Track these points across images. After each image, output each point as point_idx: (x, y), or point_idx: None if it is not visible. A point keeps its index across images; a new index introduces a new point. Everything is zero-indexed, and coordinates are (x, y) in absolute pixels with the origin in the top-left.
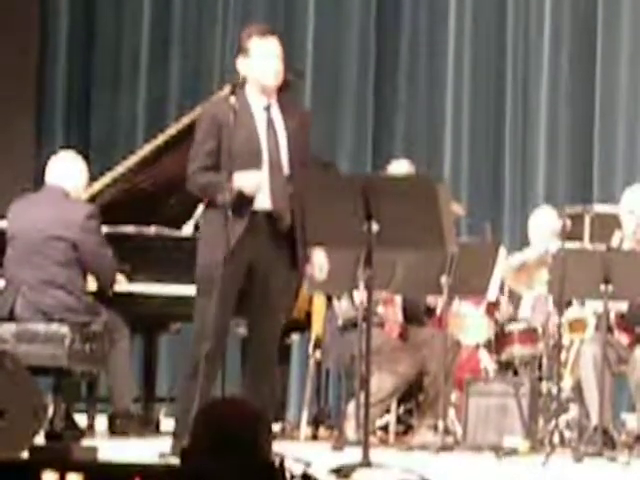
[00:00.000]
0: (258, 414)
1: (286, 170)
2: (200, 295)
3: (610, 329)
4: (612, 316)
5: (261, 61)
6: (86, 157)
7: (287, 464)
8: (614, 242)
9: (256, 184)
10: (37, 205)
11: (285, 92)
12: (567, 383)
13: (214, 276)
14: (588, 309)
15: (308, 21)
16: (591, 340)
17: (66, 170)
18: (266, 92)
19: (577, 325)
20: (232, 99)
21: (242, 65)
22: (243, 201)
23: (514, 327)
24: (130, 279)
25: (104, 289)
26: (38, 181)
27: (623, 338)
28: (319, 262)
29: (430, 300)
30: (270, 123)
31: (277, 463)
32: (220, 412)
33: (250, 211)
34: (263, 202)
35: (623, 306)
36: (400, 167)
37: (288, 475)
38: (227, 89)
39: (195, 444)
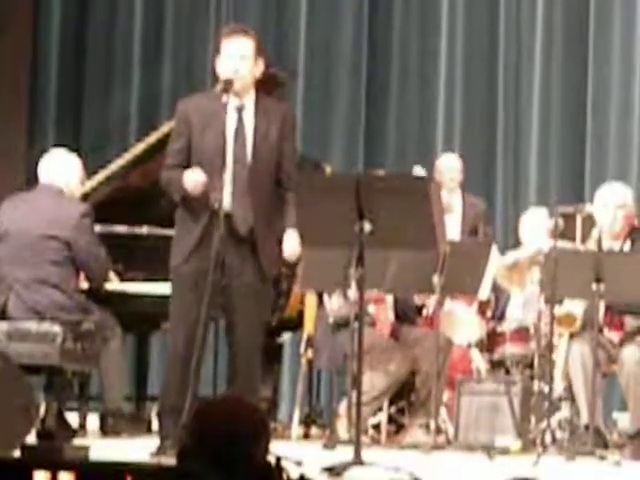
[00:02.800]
0: (256, 413)
1: (250, 172)
2: (172, 295)
3: (600, 329)
4: (602, 310)
5: (223, 61)
6: (79, 156)
7: (284, 464)
8: (593, 237)
9: (194, 182)
10: (31, 203)
11: (275, 91)
12: (558, 382)
13: (180, 274)
14: (578, 303)
15: (300, 21)
16: (579, 339)
17: (59, 168)
18: (235, 92)
19: (566, 319)
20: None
21: (217, 65)
22: (197, 201)
23: (506, 326)
24: (122, 278)
25: (96, 288)
26: (30, 180)
27: (614, 336)
28: (290, 243)
29: (418, 299)
30: (240, 124)
31: (274, 463)
32: (217, 411)
33: (210, 211)
34: (224, 204)
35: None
36: (449, 160)
37: (285, 476)
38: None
39: (192, 444)
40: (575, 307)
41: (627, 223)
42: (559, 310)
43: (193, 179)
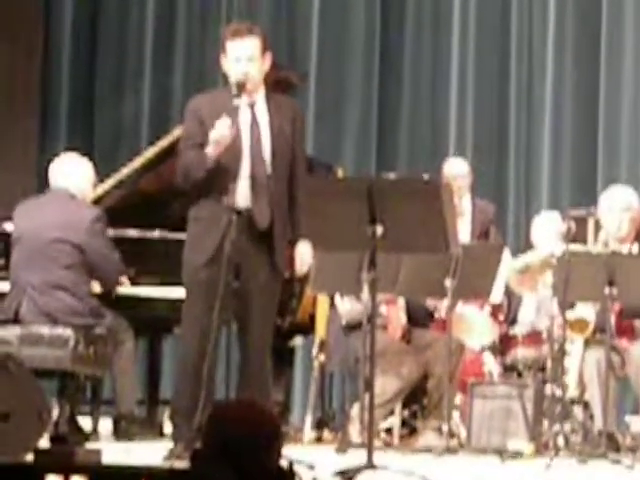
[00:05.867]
0: (269, 417)
1: (269, 169)
2: (186, 297)
3: (611, 333)
4: (613, 319)
5: (231, 63)
6: (90, 159)
7: (296, 469)
8: (600, 241)
9: (221, 130)
10: (43, 208)
11: (286, 93)
12: (572, 389)
13: (197, 278)
14: (590, 308)
15: (312, 22)
16: (595, 345)
17: (71, 172)
18: (245, 91)
19: (578, 324)
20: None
21: (223, 64)
22: (216, 194)
23: (518, 330)
24: (134, 282)
25: (109, 291)
26: (42, 183)
27: (624, 342)
28: (301, 255)
29: (429, 303)
30: (254, 121)
31: (286, 467)
32: (231, 416)
33: (229, 210)
34: (244, 200)
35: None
36: (455, 166)
37: None
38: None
39: (205, 447)
40: (587, 312)
41: (634, 226)
42: (571, 315)
43: (220, 127)
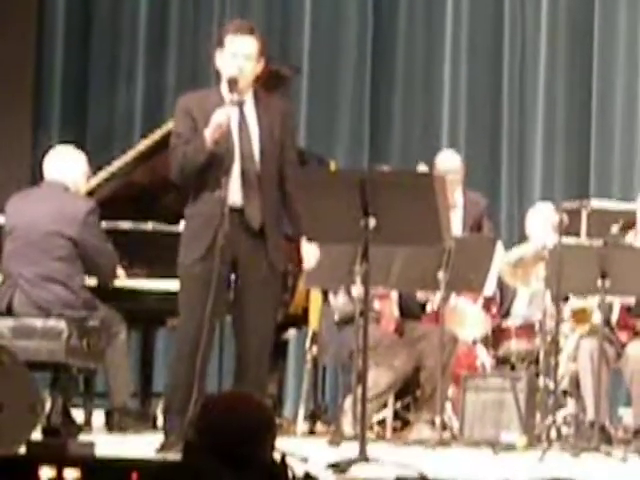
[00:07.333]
0: (262, 409)
1: (258, 168)
2: (180, 292)
3: (610, 326)
4: (617, 310)
5: (226, 58)
6: (83, 152)
7: (289, 461)
8: (628, 238)
9: (226, 113)
10: (36, 200)
11: (279, 87)
12: (564, 371)
13: (192, 272)
14: (593, 300)
15: (305, 17)
16: (590, 335)
17: (65, 165)
18: (236, 89)
19: (581, 315)
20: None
21: (218, 59)
22: (212, 190)
23: (511, 322)
24: (127, 275)
25: (106, 283)
26: (35, 175)
27: (623, 336)
28: (307, 252)
29: (420, 296)
30: (242, 119)
31: (279, 460)
32: (223, 407)
33: (223, 204)
34: (237, 199)
35: (631, 299)
36: (447, 160)
37: (290, 473)
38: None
39: (198, 440)
40: (589, 302)
41: None
42: (575, 304)
43: (222, 112)
